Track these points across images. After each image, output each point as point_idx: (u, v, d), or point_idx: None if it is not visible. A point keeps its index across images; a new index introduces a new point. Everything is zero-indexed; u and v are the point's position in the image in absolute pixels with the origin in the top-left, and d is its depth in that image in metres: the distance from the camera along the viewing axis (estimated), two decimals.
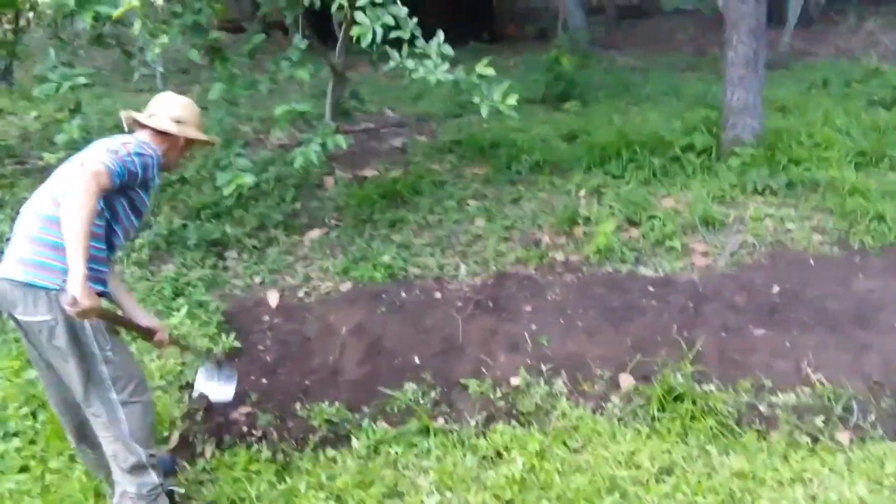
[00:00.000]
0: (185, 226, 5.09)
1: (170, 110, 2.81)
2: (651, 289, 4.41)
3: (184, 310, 4.25)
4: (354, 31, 3.68)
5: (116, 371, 2.59)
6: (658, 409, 3.52)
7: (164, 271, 4.80)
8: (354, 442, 3.42)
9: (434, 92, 8.09)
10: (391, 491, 3.13)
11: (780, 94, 7.29)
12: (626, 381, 3.78)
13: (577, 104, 7.22)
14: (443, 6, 12.24)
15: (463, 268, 4.67)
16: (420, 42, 3.82)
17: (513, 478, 3.10)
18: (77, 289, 2.25)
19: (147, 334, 2.89)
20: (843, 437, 3.39)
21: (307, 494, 3.07)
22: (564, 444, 3.37)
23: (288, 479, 3.19)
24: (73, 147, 4.04)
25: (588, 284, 4.46)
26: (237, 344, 4.15)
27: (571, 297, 4.37)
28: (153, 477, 2.72)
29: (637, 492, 3.03)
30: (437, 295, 4.46)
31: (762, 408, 3.55)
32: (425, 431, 3.48)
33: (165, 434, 3.43)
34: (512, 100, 3.85)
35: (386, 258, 4.71)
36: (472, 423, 3.56)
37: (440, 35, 3.86)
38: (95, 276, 2.52)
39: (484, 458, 3.33)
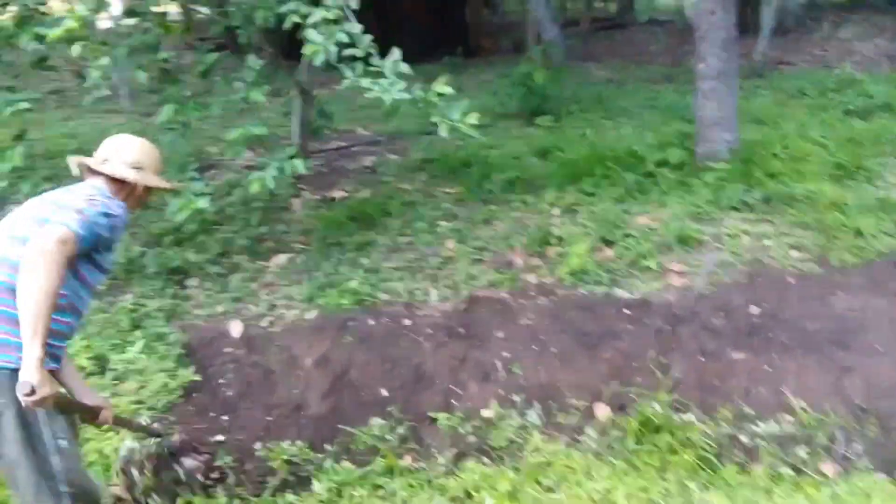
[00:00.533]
0: (143, 253, 4.89)
1: (125, 155, 2.55)
2: (627, 311, 4.27)
3: (139, 343, 4.06)
4: (306, 50, 3.52)
5: (67, 462, 2.30)
6: (635, 442, 3.37)
7: (121, 301, 4.59)
8: (315, 485, 3.23)
9: (405, 109, 8.02)
10: None
11: (755, 106, 7.22)
12: (602, 411, 3.64)
13: (550, 119, 7.10)
14: (415, 21, 12.20)
15: (433, 293, 4.51)
16: (376, 60, 3.67)
17: None
18: (34, 375, 2.00)
19: (92, 414, 2.59)
20: (828, 468, 3.26)
21: None
22: (537, 482, 3.20)
23: None
24: (17, 176, 3.86)
25: (562, 308, 4.31)
26: (196, 377, 3.95)
27: (545, 321, 4.22)
28: None
29: None
30: (407, 322, 4.29)
31: (743, 438, 3.41)
32: (391, 471, 3.30)
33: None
34: (472, 119, 3.71)
35: (353, 284, 4.54)
36: (441, 460, 3.39)
37: (395, 53, 3.71)
38: (52, 353, 2.25)
39: (453, 499, 3.16)
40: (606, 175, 5.41)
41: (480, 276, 4.59)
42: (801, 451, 3.29)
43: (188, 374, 3.94)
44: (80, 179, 2.61)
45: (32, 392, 1.99)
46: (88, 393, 2.64)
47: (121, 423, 2.92)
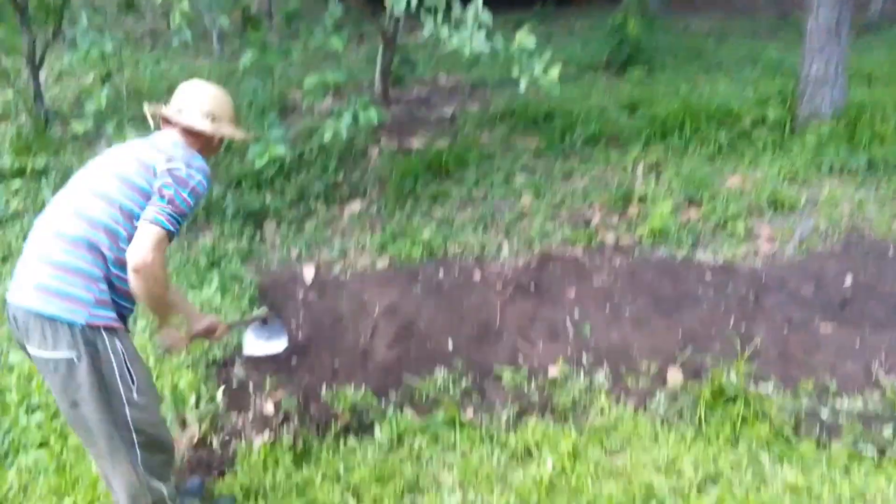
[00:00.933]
0: (223, 195, 4.97)
1: (201, 105, 2.48)
2: (709, 276, 4.07)
3: (215, 283, 4.14)
4: None
5: (141, 414, 2.31)
6: (707, 410, 3.22)
7: (200, 242, 4.71)
8: (377, 432, 3.24)
9: (489, 57, 7.83)
10: (411, 486, 2.95)
11: (866, 64, 6.67)
12: (674, 376, 3.49)
13: (642, 71, 6.77)
14: None
15: (506, 247, 4.41)
16: (457, 8, 3.52)
17: (541, 480, 2.87)
18: (179, 342, 2.56)
19: (208, 333, 2.71)
20: None
21: (322, 486, 2.92)
22: (601, 444, 3.12)
23: (305, 468, 3.04)
24: (101, 118, 3.94)
25: (639, 269, 4.14)
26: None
27: (620, 282, 4.07)
28: None
29: (676, 503, 2.76)
30: (477, 275, 4.22)
31: (824, 414, 3.21)
32: (452, 423, 3.28)
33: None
34: (554, 73, 3.53)
35: (426, 234, 4.49)
36: (504, 416, 3.34)
37: (478, 1, 3.55)
38: (122, 314, 2.33)
39: (512, 455, 3.12)
40: (697, 132, 5.12)
41: (555, 233, 4.45)
42: (886, 431, 3.07)
43: (262, 316, 3.99)
44: None
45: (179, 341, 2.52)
46: (200, 317, 2.72)
47: (232, 327, 3.09)
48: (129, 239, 2.19)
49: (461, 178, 5.11)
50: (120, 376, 2.24)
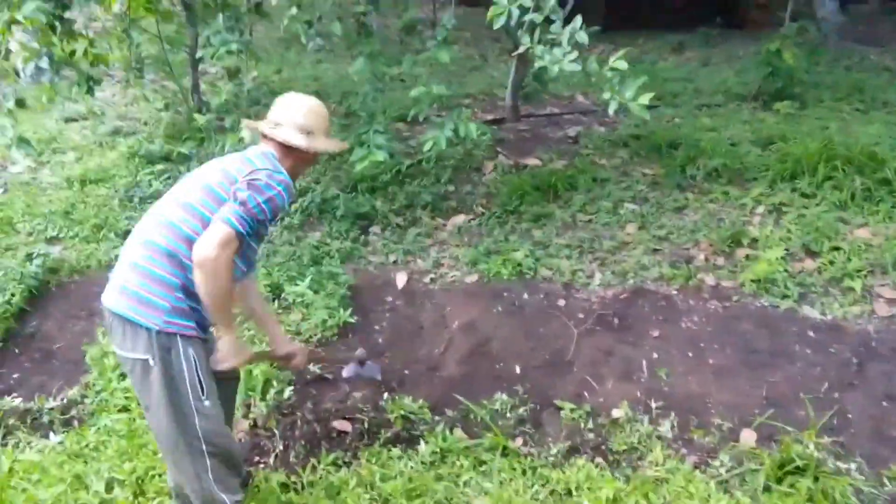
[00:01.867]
0: (337, 196, 5.19)
1: (296, 119, 2.53)
2: (811, 334, 3.73)
3: (308, 279, 4.34)
4: (490, 13, 3.43)
5: (209, 424, 2.40)
6: (774, 481, 2.97)
7: (309, 238, 4.95)
8: (422, 446, 3.27)
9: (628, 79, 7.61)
10: None
11: None
12: (748, 438, 3.24)
13: (791, 105, 6.31)
14: None
15: (598, 276, 4.28)
16: (555, 27, 3.47)
17: None
18: (230, 355, 2.42)
19: (285, 361, 2.84)
20: None
21: (355, 491, 2.98)
22: (646, 497, 2.96)
23: (344, 471, 3.13)
24: (225, 110, 4.24)
25: (734, 317, 3.87)
26: (352, 320, 4.15)
27: (710, 328, 3.83)
28: None
29: None
30: (561, 302, 4.14)
31: None
32: (499, 450, 3.24)
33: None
34: (645, 99, 3.39)
35: (519, 254, 4.45)
36: (553, 450, 3.25)
37: (577, 21, 3.47)
38: (205, 323, 2.42)
39: (552, 492, 3.03)
40: (831, 176, 4.70)
41: (652, 268, 4.26)
42: None
43: (346, 316, 4.14)
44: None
45: (227, 361, 2.42)
46: (284, 342, 2.85)
47: (317, 360, 3.22)
48: None
49: (568, 201, 5.02)
50: (190, 384, 2.34)
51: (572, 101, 7.27)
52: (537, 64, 3.54)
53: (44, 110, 7.36)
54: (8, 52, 3.93)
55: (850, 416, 3.28)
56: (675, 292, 4.10)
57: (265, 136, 2.57)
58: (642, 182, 5.16)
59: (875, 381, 3.42)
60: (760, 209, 4.64)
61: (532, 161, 5.61)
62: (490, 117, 6.72)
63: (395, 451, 3.24)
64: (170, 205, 2.39)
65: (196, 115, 4.94)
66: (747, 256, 4.22)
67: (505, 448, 3.24)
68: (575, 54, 3.38)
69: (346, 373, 3.54)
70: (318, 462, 3.15)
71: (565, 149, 5.83)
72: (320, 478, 3.09)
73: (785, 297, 3.93)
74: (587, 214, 4.88)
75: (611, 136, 5.91)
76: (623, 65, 3.46)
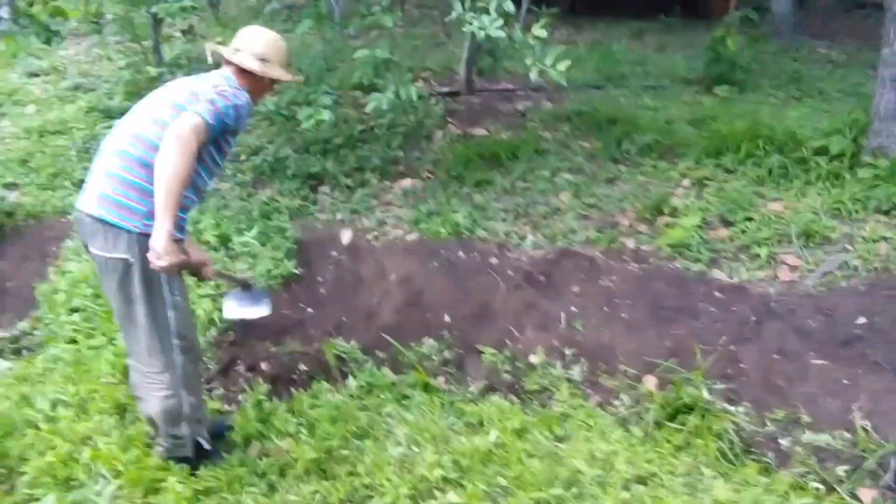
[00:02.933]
0: (288, 157, 5.41)
1: (254, 47, 2.71)
2: (717, 294, 4.06)
3: (255, 230, 4.55)
4: None
5: (181, 318, 2.62)
6: (666, 418, 3.29)
7: (260, 194, 5.16)
8: (350, 381, 3.54)
9: (584, 60, 7.90)
10: (362, 432, 3.21)
11: None
12: (650, 382, 3.56)
13: (730, 90, 6.65)
14: None
15: (529, 239, 4.57)
16: None
17: (477, 448, 3.06)
18: (162, 247, 2.30)
19: (197, 269, 2.91)
20: (866, 494, 2.96)
21: (283, 416, 3.24)
22: (549, 428, 3.26)
23: (276, 401, 3.38)
24: (177, 65, 4.43)
25: (649, 277, 4.19)
26: (297, 271, 4.39)
27: (626, 286, 4.14)
28: (183, 429, 2.77)
29: (594, 492, 2.88)
30: (494, 261, 4.42)
31: (783, 443, 3.20)
32: (422, 387, 3.52)
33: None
34: (562, 66, 3.65)
35: (458, 216, 4.72)
36: (472, 389, 3.55)
37: None
38: (178, 225, 2.50)
39: (467, 424, 3.32)
40: (752, 154, 5.04)
41: (580, 232, 4.56)
42: (840, 469, 3.02)
43: (289, 266, 4.37)
44: None
45: (159, 258, 2.30)
46: (195, 250, 2.96)
47: (221, 275, 3.32)
48: None
49: (509, 170, 5.30)
50: (168, 281, 2.55)
51: (527, 78, 7.51)
52: (464, 29, 3.77)
53: (8, 66, 7.44)
54: None
55: (742, 366, 3.61)
56: (598, 254, 4.40)
57: (226, 61, 2.75)
58: (580, 154, 5.46)
59: (769, 338, 3.75)
60: (686, 182, 4.97)
61: (480, 131, 5.87)
62: (446, 90, 6.95)
63: (325, 385, 3.51)
64: (139, 120, 2.55)
65: (149, 68, 5.10)
66: (667, 224, 4.53)
67: (427, 385, 3.52)
68: (500, 22, 3.63)
69: (228, 309, 3.29)
70: (252, 390, 3.40)
71: (513, 122, 6.10)
72: (248, 410, 3.33)
73: (697, 260, 4.26)
74: (526, 182, 5.16)
75: (556, 112, 6.20)
76: (543, 33, 3.72)
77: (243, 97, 2.60)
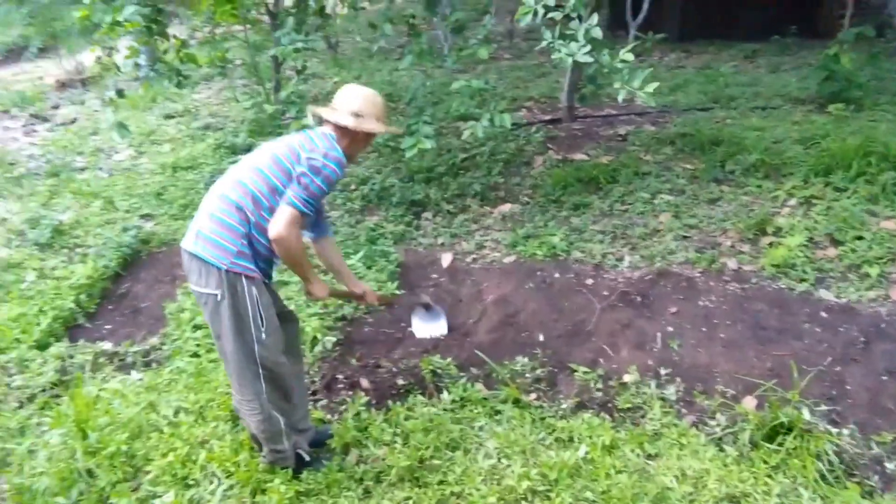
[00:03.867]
0: (393, 186, 5.67)
1: (350, 104, 2.91)
2: (823, 314, 3.92)
3: (361, 253, 4.81)
4: (518, 12, 3.81)
5: (266, 352, 2.83)
6: (765, 440, 3.21)
7: (367, 221, 5.44)
8: (444, 395, 3.66)
9: (691, 83, 7.81)
10: (454, 444, 3.33)
11: None
12: (749, 404, 3.47)
13: (845, 108, 6.37)
14: None
15: (627, 260, 4.57)
16: (574, 24, 3.81)
17: (566, 462, 3.10)
18: (314, 293, 3.05)
19: (359, 299, 3.45)
20: None
21: (380, 426, 3.41)
22: (640, 446, 3.26)
23: (374, 413, 3.56)
24: (290, 102, 4.78)
25: (750, 297, 4.10)
26: (398, 292, 4.60)
27: (726, 306, 4.07)
28: (284, 444, 3.02)
29: None
30: (589, 281, 4.45)
31: (890, 465, 3.06)
32: (514, 402, 3.60)
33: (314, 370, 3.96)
34: (650, 88, 3.67)
35: (555, 239, 4.80)
36: (563, 405, 3.59)
37: (593, 19, 3.80)
38: (267, 272, 2.88)
39: (557, 440, 3.37)
40: (864, 172, 4.83)
41: (679, 252, 4.52)
42: None
43: (393, 288, 4.59)
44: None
45: (312, 295, 3.06)
46: (356, 283, 3.43)
47: (385, 301, 3.87)
48: (270, 209, 2.72)
49: (608, 193, 5.33)
50: (252, 317, 2.75)
51: (631, 103, 7.51)
52: (553, 56, 3.88)
53: (147, 109, 8.21)
54: (113, 50, 4.58)
55: (848, 387, 3.48)
56: (697, 275, 4.35)
57: (326, 120, 2.97)
58: (682, 176, 5.41)
59: (878, 359, 3.59)
60: (792, 201, 4.82)
61: (579, 156, 5.94)
62: (547, 117, 7.07)
63: (421, 399, 3.66)
64: (243, 168, 2.82)
65: (266, 105, 5.53)
66: (771, 244, 4.42)
67: (518, 400, 3.59)
68: (588, 48, 3.72)
69: (416, 328, 4.17)
70: (353, 402, 3.60)
71: (613, 146, 6.13)
72: (354, 415, 3.53)
73: (802, 280, 4.13)
74: (624, 204, 5.17)
75: (659, 135, 6.16)
76: (630, 56, 3.77)
77: (335, 160, 2.79)
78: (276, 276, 3.15)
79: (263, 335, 2.80)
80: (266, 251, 2.82)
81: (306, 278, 2.96)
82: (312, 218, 3.01)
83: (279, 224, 2.68)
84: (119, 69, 4.73)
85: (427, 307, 4.20)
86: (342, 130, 2.92)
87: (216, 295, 2.71)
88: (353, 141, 2.96)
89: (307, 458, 3.16)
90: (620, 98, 3.79)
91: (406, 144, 4.58)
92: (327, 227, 3.32)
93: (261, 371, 2.86)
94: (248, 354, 2.81)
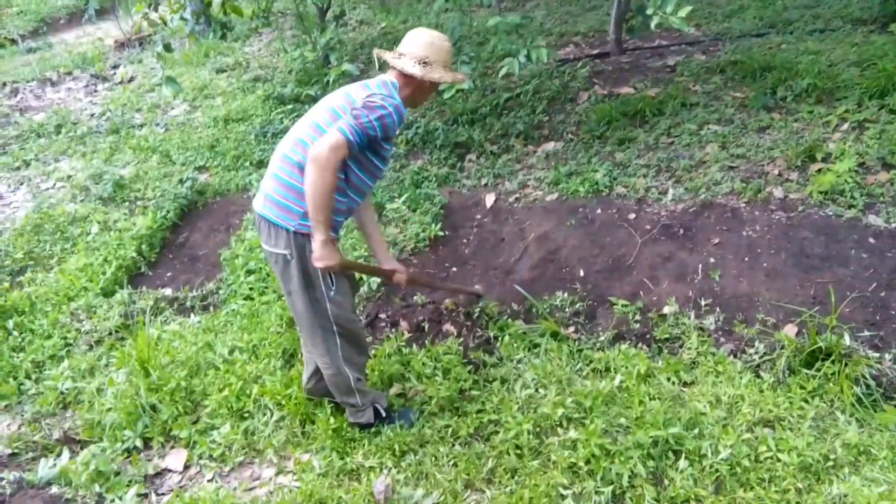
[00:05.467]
0: (437, 128, 5.71)
1: (416, 50, 2.80)
2: (871, 240, 3.82)
3: (404, 196, 4.90)
4: None
5: (338, 309, 2.85)
6: (804, 366, 3.21)
7: (412, 165, 5.52)
8: (486, 326, 3.77)
9: (747, 8, 7.49)
10: (493, 377, 3.44)
11: None
12: (790, 331, 3.46)
13: None
14: None
15: (671, 193, 4.52)
16: None
17: (600, 391, 3.18)
18: (318, 253, 2.62)
19: (387, 276, 3.17)
20: None
21: (421, 359, 3.55)
22: (676, 374, 3.31)
23: (416, 347, 3.69)
24: (330, 48, 4.83)
25: (795, 226, 4.02)
26: (441, 233, 4.69)
27: (770, 236, 4.01)
28: (357, 399, 3.08)
29: (714, 433, 2.91)
30: (632, 216, 4.43)
31: None
32: (552, 335, 3.67)
33: None
34: (683, 12, 3.55)
35: (597, 175, 4.77)
36: (601, 338, 3.64)
37: None
38: (332, 226, 2.72)
39: (594, 370, 3.44)
40: None
41: (724, 183, 4.44)
42: None
43: (436, 230, 4.68)
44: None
45: (317, 261, 2.63)
46: (388, 260, 3.22)
47: (415, 282, 3.47)
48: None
49: (654, 126, 5.23)
50: (322, 276, 2.77)
51: (683, 33, 7.27)
52: None
53: (200, 65, 8.40)
54: (157, 4, 4.71)
55: (893, 312, 3.42)
56: (742, 205, 4.28)
57: (391, 66, 2.87)
58: (731, 105, 5.26)
59: None
60: (844, 126, 4.65)
61: (626, 90, 5.83)
62: (595, 52, 6.92)
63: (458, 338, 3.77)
64: (303, 125, 2.77)
65: (306, 53, 5.60)
66: (819, 170, 4.30)
67: (557, 334, 3.67)
68: None
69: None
70: (397, 339, 3.74)
71: (661, 77, 5.98)
72: (396, 349, 3.68)
73: (851, 206, 4.02)
74: (670, 137, 5.08)
75: (709, 64, 5.98)
76: None
77: (393, 105, 2.67)
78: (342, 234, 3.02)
79: (333, 292, 2.82)
80: (341, 205, 2.77)
81: (318, 222, 2.58)
82: (367, 175, 2.84)
83: (321, 145, 2.52)
84: (165, 24, 4.86)
85: (479, 297, 3.99)
86: (407, 78, 2.83)
87: (285, 255, 2.73)
88: (418, 89, 2.88)
89: (383, 413, 3.21)
90: (653, 25, 3.71)
91: (444, 85, 4.59)
92: (369, 192, 3.05)
93: (335, 328, 2.89)
94: (321, 312, 2.83)
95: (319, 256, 2.62)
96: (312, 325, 2.87)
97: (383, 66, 2.99)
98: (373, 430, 3.19)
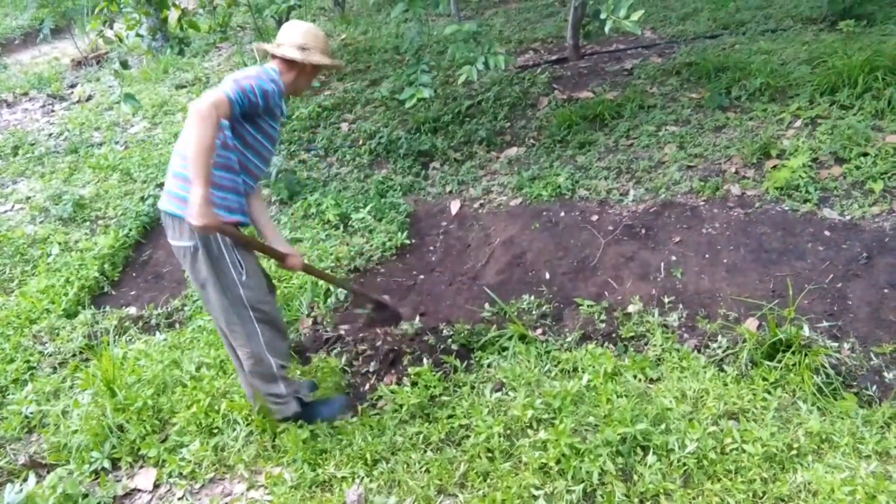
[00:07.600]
0: (400, 138, 5.73)
1: (294, 38, 2.91)
2: (826, 233, 3.92)
3: (369, 206, 4.91)
4: None
5: (252, 293, 2.88)
6: (765, 358, 3.27)
7: (376, 175, 5.53)
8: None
9: (701, 11, 7.65)
10: (462, 382, 3.46)
11: None
12: (751, 325, 3.53)
13: (856, 24, 6.21)
14: None
15: (631, 193, 4.60)
16: None
17: (568, 391, 3.20)
18: (196, 209, 2.43)
19: (280, 258, 3.07)
20: None
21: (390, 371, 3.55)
22: (642, 371, 3.35)
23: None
24: None
25: (753, 222, 4.11)
26: (408, 242, 4.71)
27: (729, 232, 4.09)
28: (281, 388, 3.10)
29: (681, 427, 2.95)
30: (594, 217, 4.50)
31: (889, 375, 3.11)
32: (521, 338, 3.70)
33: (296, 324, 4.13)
34: (635, 16, 3.62)
35: (559, 178, 4.83)
36: (568, 338, 3.68)
37: None
38: (227, 206, 2.78)
39: (562, 371, 3.47)
40: (870, 87, 4.75)
41: (683, 182, 4.53)
42: None
43: (402, 238, 4.70)
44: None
45: (194, 219, 2.43)
46: (280, 242, 3.14)
47: (309, 270, 3.33)
48: (223, 146, 2.70)
49: (613, 129, 5.32)
50: (230, 261, 2.80)
51: (640, 37, 7.41)
52: None
53: (159, 81, 8.33)
54: (112, 21, 4.67)
55: (850, 302, 3.51)
56: (701, 203, 4.37)
57: (272, 56, 2.97)
58: (687, 106, 5.37)
59: (880, 272, 3.60)
60: (797, 123, 4.77)
61: (585, 94, 5.91)
62: (554, 57, 7.01)
63: (431, 339, 3.78)
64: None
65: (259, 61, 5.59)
66: (775, 167, 4.40)
67: (524, 336, 3.70)
68: None
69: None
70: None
71: (619, 81, 6.08)
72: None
73: (806, 201, 4.12)
74: (630, 139, 5.16)
75: (665, 66, 6.09)
76: None
77: (274, 81, 2.77)
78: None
79: (245, 276, 2.84)
80: (235, 183, 2.82)
81: (198, 176, 2.45)
82: (257, 157, 2.88)
83: (202, 99, 2.52)
84: (122, 41, 4.82)
85: (381, 307, 3.76)
86: (288, 64, 2.93)
87: (191, 246, 2.76)
88: (299, 74, 2.96)
89: (306, 399, 3.24)
90: (607, 29, 3.78)
91: (405, 95, 4.62)
92: (260, 176, 3.05)
93: (252, 314, 2.91)
94: (236, 299, 2.86)
95: (198, 213, 2.44)
96: (229, 316, 2.89)
97: (265, 59, 3.07)
98: (299, 420, 3.20)
